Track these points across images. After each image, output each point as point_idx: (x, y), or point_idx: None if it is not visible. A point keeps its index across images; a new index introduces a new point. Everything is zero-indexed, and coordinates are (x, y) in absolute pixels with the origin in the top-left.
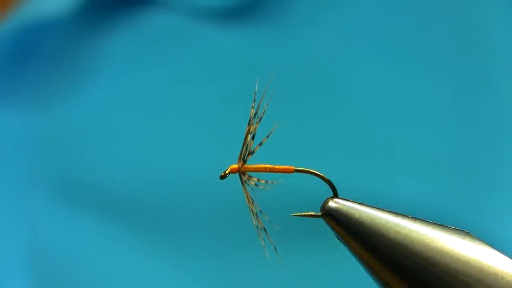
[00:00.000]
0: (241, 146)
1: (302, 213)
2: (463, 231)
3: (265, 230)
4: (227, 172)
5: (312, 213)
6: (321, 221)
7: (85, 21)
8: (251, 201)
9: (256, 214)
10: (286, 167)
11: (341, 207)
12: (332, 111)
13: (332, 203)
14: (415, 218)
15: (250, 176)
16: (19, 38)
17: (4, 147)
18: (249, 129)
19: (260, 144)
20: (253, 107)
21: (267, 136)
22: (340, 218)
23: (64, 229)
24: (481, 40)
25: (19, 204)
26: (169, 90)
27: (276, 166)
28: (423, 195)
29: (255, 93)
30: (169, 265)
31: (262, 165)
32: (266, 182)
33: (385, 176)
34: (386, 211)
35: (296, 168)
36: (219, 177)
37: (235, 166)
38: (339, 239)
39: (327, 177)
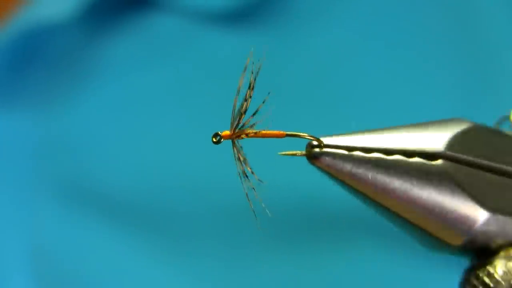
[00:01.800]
0: (233, 112)
1: (289, 152)
2: (451, 120)
3: (254, 189)
4: (217, 139)
5: (299, 152)
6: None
7: (87, 25)
8: (242, 162)
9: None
10: (278, 132)
11: (327, 148)
12: (333, 113)
13: (315, 142)
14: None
15: (241, 152)
16: (21, 42)
17: (7, 150)
18: (245, 98)
19: (254, 114)
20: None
21: (263, 102)
22: (326, 156)
23: (68, 232)
24: (483, 41)
25: (22, 207)
26: (172, 93)
27: (268, 132)
28: None
29: (249, 61)
30: (172, 268)
31: (253, 131)
32: (253, 173)
33: None
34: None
35: (287, 132)
36: (211, 139)
37: (227, 132)
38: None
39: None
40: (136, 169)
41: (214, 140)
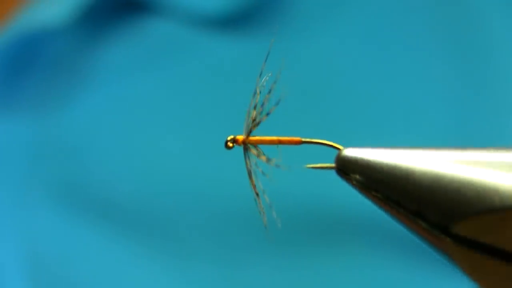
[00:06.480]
0: (246, 117)
1: (318, 165)
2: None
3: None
4: (233, 144)
5: (327, 164)
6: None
7: (84, 29)
8: (252, 174)
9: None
10: (293, 138)
11: (356, 155)
12: (333, 118)
13: (346, 152)
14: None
15: (253, 147)
16: (17, 46)
17: (3, 153)
18: (255, 101)
19: (267, 114)
20: (258, 85)
21: (275, 105)
22: (357, 165)
23: (64, 236)
24: (483, 46)
25: (18, 210)
26: (168, 99)
27: (283, 138)
28: None
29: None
30: (169, 272)
31: (268, 137)
32: (268, 159)
33: None
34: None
35: (302, 139)
36: (224, 145)
37: (241, 137)
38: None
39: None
40: (132, 172)
41: (230, 145)
